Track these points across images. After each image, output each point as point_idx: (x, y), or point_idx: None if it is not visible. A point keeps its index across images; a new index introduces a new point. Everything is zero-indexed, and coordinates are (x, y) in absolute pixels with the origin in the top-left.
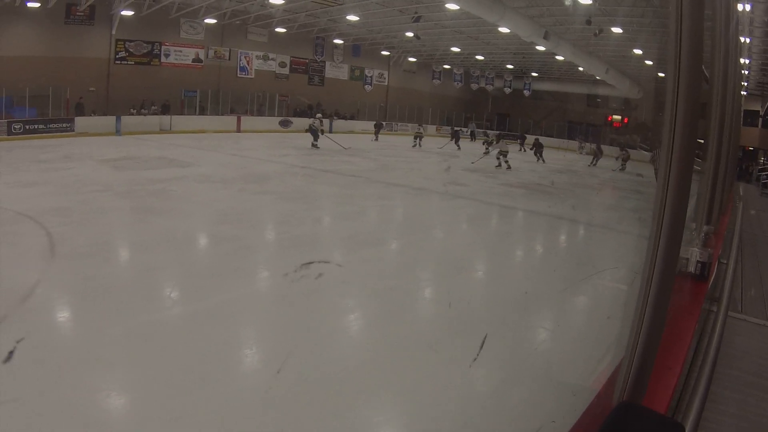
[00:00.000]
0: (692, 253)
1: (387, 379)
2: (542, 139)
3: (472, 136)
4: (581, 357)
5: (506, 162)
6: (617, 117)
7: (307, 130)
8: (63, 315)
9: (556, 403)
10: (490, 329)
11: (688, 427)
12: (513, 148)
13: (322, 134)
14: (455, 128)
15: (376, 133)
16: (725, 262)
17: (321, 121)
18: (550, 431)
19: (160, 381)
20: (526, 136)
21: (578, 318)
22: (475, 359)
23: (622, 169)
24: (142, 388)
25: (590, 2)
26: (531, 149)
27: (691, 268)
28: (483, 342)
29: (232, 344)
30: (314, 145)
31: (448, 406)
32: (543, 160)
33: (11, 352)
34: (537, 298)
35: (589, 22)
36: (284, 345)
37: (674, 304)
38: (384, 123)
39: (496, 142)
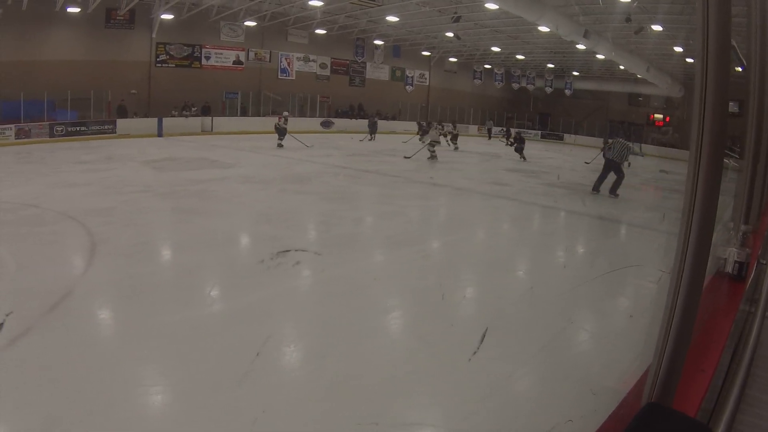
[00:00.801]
0: (730, 253)
1: (426, 380)
2: (583, 139)
3: (489, 134)
4: (611, 357)
5: (433, 152)
6: (659, 116)
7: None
8: (103, 312)
9: (585, 403)
10: (519, 327)
11: (720, 430)
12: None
13: (287, 133)
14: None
15: (371, 132)
16: (764, 262)
17: (286, 120)
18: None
19: (201, 377)
20: (512, 130)
21: (617, 319)
22: (474, 353)
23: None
24: (183, 384)
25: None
26: (511, 145)
27: (729, 269)
28: (483, 336)
29: (272, 341)
30: (279, 145)
31: (483, 405)
32: (524, 158)
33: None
34: (571, 297)
35: (628, 20)
36: (324, 342)
37: (710, 305)
38: (377, 120)
39: (431, 131)
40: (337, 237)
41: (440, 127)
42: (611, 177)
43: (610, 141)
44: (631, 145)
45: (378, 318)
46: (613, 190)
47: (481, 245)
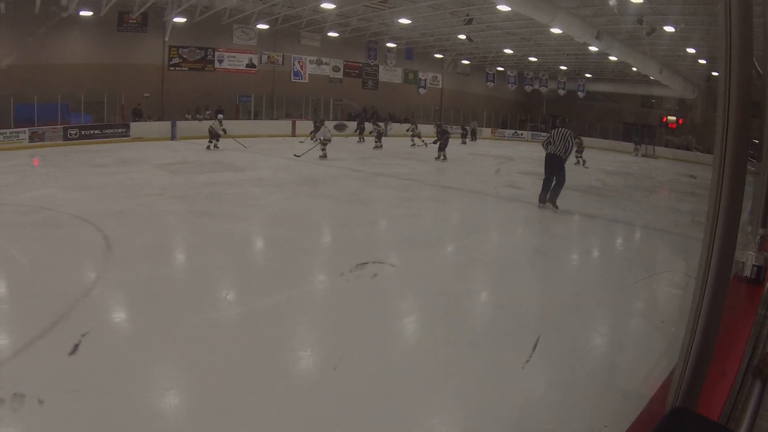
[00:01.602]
0: (748, 257)
1: (441, 380)
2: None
3: (473, 136)
4: (637, 361)
5: (323, 151)
6: (672, 118)
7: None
8: (120, 314)
9: (608, 408)
10: (543, 331)
11: None
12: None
13: (224, 133)
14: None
15: (360, 134)
16: None
17: (221, 122)
18: None
19: (219, 378)
20: (468, 129)
21: (633, 322)
22: (527, 361)
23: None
24: (200, 386)
25: (641, 1)
26: (434, 142)
27: (747, 272)
28: (536, 344)
29: (288, 343)
30: (215, 146)
31: (501, 410)
32: (444, 157)
33: (77, 345)
34: (590, 301)
35: (641, 22)
36: (340, 344)
37: (729, 309)
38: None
39: (323, 129)
40: (353, 239)
41: (414, 127)
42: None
43: (552, 131)
44: (579, 138)
45: (426, 324)
46: (553, 199)
47: (522, 250)
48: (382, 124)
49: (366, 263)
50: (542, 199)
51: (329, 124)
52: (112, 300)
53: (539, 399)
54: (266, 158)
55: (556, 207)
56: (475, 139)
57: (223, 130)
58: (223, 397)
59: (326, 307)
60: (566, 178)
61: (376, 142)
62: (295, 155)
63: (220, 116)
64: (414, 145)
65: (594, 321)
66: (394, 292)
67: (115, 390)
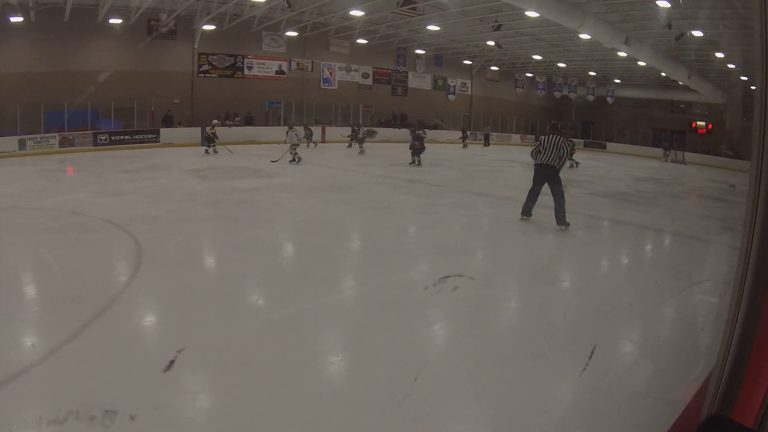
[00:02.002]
0: None
1: (546, 394)
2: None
3: (486, 141)
4: (679, 368)
5: (295, 154)
6: (701, 123)
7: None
8: (149, 319)
9: (650, 415)
10: (618, 342)
11: None
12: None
13: (216, 140)
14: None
15: (360, 140)
16: None
17: (213, 127)
18: None
19: (250, 383)
20: (469, 133)
21: (673, 330)
22: (584, 369)
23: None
24: (247, 396)
25: (669, 5)
26: (409, 148)
27: None
28: (592, 352)
29: (316, 351)
30: (207, 152)
31: (548, 416)
32: (418, 162)
33: (172, 362)
34: (630, 310)
35: (669, 26)
36: (371, 351)
37: (764, 316)
38: (364, 128)
39: (290, 132)
40: (382, 246)
41: (356, 129)
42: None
43: (542, 138)
44: (571, 141)
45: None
46: (561, 218)
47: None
48: (364, 129)
49: (448, 276)
50: (525, 212)
51: (330, 128)
52: (142, 305)
53: (591, 406)
54: (296, 165)
55: (566, 224)
56: (488, 144)
57: (213, 134)
58: (255, 404)
59: (354, 317)
60: (563, 190)
61: (357, 146)
62: (272, 161)
63: (215, 122)
64: (350, 146)
65: (643, 329)
66: (425, 301)
67: (142, 397)
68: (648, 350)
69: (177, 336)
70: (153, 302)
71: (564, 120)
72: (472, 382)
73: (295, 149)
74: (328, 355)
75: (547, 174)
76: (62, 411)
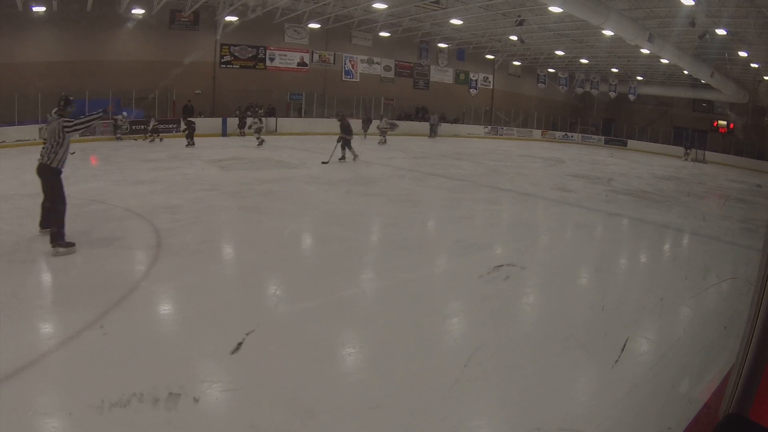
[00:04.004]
0: None
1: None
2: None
3: (432, 132)
4: (700, 365)
5: (258, 138)
6: (723, 122)
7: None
8: (167, 308)
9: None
10: (648, 337)
11: None
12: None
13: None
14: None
15: (382, 131)
16: None
17: (124, 118)
18: None
19: (302, 371)
20: (398, 124)
21: (692, 328)
22: (617, 360)
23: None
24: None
25: (693, 3)
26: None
27: None
28: (624, 345)
29: (327, 343)
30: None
31: (575, 407)
32: (349, 152)
33: (240, 344)
34: (661, 304)
35: (693, 24)
36: (391, 344)
37: None
38: (371, 118)
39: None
40: (406, 239)
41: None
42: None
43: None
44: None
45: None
46: (52, 233)
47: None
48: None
49: (501, 265)
50: (42, 225)
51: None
52: (162, 293)
53: (621, 398)
54: (318, 156)
55: (59, 248)
56: (435, 135)
57: (122, 126)
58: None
59: (380, 306)
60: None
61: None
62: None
63: (125, 113)
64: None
65: (667, 326)
66: (444, 295)
67: (159, 385)
68: (674, 347)
69: (193, 326)
70: (171, 291)
71: (586, 116)
72: (515, 369)
73: (259, 132)
74: (372, 342)
75: (40, 176)
76: (125, 394)
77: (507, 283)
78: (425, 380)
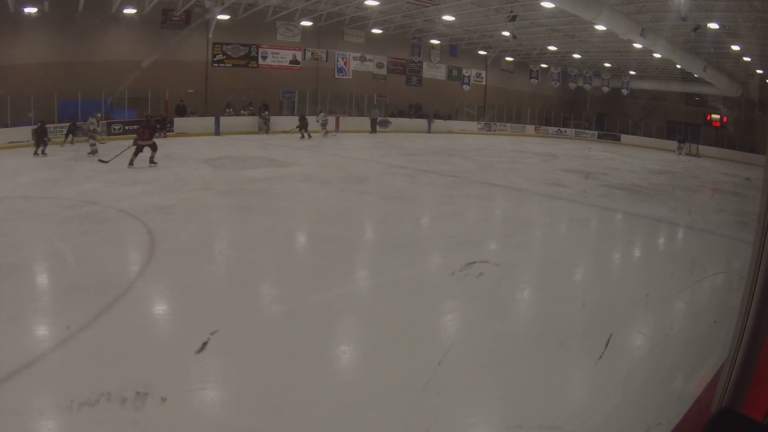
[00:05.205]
0: None
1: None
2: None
3: (373, 127)
4: (691, 361)
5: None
6: (716, 116)
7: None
8: (161, 308)
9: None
10: (633, 332)
11: None
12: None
13: (94, 137)
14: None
15: (301, 129)
16: None
17: (98, 121)
18: None
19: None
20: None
21: (687, 322)
22: (600, 357)
23: None
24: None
25: None
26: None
27: None
28: (608, 341)
29: (324, 340)
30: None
31: (563, 405)
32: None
33: (205, 344)
34: (646, 300)
35: (685, 18)
36: (384, 340)
37: None
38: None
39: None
40: (399, 237)
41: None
42: None
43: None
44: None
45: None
46: None
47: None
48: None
49: (474, 262)
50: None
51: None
52: (153, 295)
53: (607, 394)
54: (311, 154)
55: None
56: (375, 131)
57: (95, 130)
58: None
59: (371, 304)
60: None
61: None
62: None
63: (98, 115)
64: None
65: (658, 320)
66: (439, 293)
67: (160, 385)
68: (662, 342)
69: (206, 320)
70: (164, 291)
71: (579, 111)
72: (493, 366)
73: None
74: (354, 341)
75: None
76: (93, 393)
77: (484, 279)
78: (397, 381)
